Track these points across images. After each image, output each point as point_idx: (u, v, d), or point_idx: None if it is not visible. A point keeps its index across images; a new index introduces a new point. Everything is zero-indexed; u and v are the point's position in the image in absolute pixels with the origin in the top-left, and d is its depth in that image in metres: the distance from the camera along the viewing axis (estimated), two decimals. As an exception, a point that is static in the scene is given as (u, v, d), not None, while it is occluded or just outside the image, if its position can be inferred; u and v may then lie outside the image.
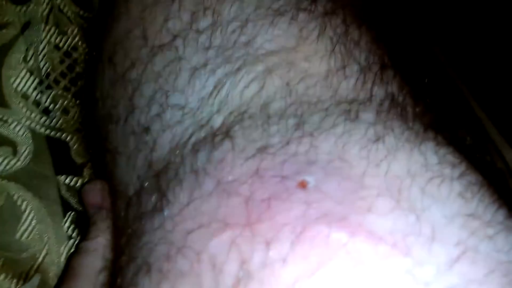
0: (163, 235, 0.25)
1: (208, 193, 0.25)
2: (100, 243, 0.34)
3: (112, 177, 0.33)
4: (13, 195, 0.40)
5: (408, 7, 0.40)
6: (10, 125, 0.42)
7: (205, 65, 0.30)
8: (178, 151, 0.28)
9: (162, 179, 0.28)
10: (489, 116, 0.35)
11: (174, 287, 0.23)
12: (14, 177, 0.40)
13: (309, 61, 0.29)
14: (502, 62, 0.36)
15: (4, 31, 0.44)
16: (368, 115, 0.27)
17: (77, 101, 0.44)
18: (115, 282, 0.28)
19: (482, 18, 0.38)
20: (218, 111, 0.28)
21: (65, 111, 0.44)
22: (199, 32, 0.30)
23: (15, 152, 0.41)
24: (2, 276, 0.38)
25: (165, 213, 0.26)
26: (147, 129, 0.30)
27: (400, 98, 0.29)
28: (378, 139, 0.25)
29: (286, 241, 0.22)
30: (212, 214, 0.24)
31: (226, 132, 0.27)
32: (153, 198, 0.28)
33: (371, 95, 0.29)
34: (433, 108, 0.31)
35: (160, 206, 0.26)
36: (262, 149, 0.25)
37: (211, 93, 0.29)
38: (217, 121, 0.28)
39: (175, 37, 0.31)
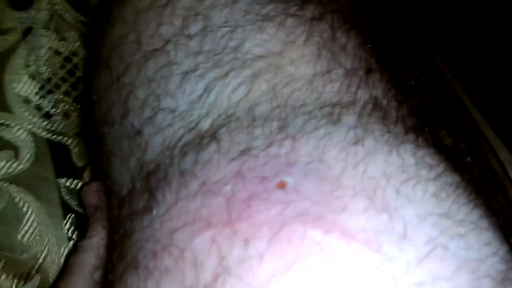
0: (151, 233, 0.26)
1: (193, 193, 0.26)
2: (96, 242, 0.35)
3: (108, 178, 0.34)
4: (15, 197, 0.41)
5: (399, 9, 0.40)
6: (12, 129, 0.42)
7: (195, 69, 0.30)
8: (168, 153, 0.29)
9: (152, 179, 0.29)
10: (485, 117, 0.35)
11: (159, 284, 0.24)
12: (16, 180, 0.41)
13: (296, 65, 0.30)
14: (499, 62, 0.37)
15: (6, 37, 0.45)
16: (349, 118, 0.28)
17: (78, 105, 0.45)
18: (107, 278, 0.29)
19: (476, 17, 0.38)
20: (207, 114, 0.29)
21: (66, 115, 0.45)
22: (190, 37, 0.31)
23: (17, 156, 0.42)
24: (3, 276, 0.38)
25: (154, 213, 0.27)
26: (139, 132, 0.31)
27: (384, 102, 0.30)
28: (357, 141, 0.26)
29: (264, 238, 0.23)
30: (197, 213, 0.25)
31: (213, 135, 0.28)
32: (144, 198, 0.28)
33: (355, 99, 0.29)
34: (418, 110, 0.31)
35: (149, 206, 0.27)
36: (246, 151, 0.26)
37: (200, 97, 0.30)
38: (206, 123, 0.29)
39: (167, 42, 0.32)
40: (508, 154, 0.34)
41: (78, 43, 0.47)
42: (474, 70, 0.38)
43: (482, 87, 0.37)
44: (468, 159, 0.30)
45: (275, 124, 0.27)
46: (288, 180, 0.25)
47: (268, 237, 0.23)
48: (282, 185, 0.24)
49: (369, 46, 0.33)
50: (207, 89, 0.30)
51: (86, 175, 0.44)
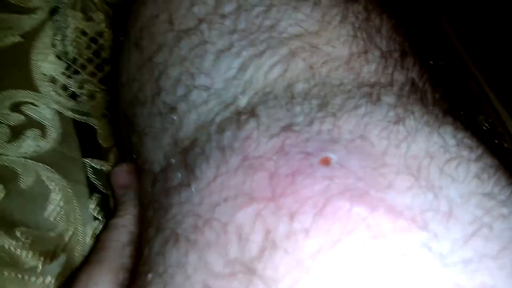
0: (190, 208, 0.26)
1: (234, 168, 0.26)
2: (128, 220, 0.35)
3: (139, 157, 0.34)
4: (41, 175, 0.41)
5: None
6: (38, 108, 0.42)
7: (230, 48, 0.30)
8: (204, 129, 0.29)
9: (189, 156, 0.29)
10: (505, 108, 0.35)
11: (202, 256, 0.24)
12: (42, 158, 0.41)
13: (332, 45, 0.30)
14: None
15: (32, 15, 0.45)
16: (389, 98, 0.28)
17: (103, 87, 0.45)
18: (142, 253, 0.29)
19: (502, 11, 0.38)
20: (243, 92, 0.29)
21: (91, 96, 0.45)
22: (224, 16, 0.31)
23: (43, 134, 0.42)
24: (30, 253, 0.39)
25: (192, 188, 0.27)
26: (173, 109, 0.31)
27: (420, 84, 0.30)
28: (398, 121, 0.26)
29: (309, 214, 0.23)
30: (238, 188, 0.25)
31: (251, 111, 0.28)
32: (180, 174, 0.28)
33: (392, 80, 0.29)
34: (452, 95, 0.31)
35: (187, 181, 0.27)
36: (287, 128, 0.26)
37: (236, 75, 0.30)
38: (242, 101, 0.29)
39: (200, 21, 0.32)
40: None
41: (104, 24, 0.47)
42: (497, 62, 0.37)
43: (504, 75, 0.37)
44: (506, 144, 0.30)
45: (314, 101, 0.27)
46: (332, 156, 0.25)
47: (313, 212, 0.23)
48: (326, 161, 0.24)
49: (401, 29, 0.33)
50: (242, 67, 0.30)
51: (112, 157, 0.44)
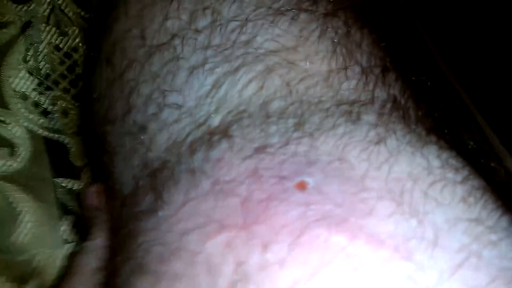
0: (158, 235, 0.25)
1: (204, 193, 0.24)
2: (98, 244, 0.33)
3: (109, 177, 0.33)
4: (9, 197, 0.39)
5: (409, 10, 0.39)
6: (8, 126, 0.41)
7: (203, 64, 0.29)
8: (174, 150, 0.28)
9: (158, 178, 0.27)
10: (490, 126, 0.34)
11: None
12: (11, 179, 0.40)
13: (310, 61, 0.29)
14: (505, 70, 0.36)
15: (4, 30, 0.44)
16: (369, 117, 0.26)
17: (77, 103, 0.44)
18: (111, 281, 0.28)
19: (484, 23, 0.38)
20: (216, 110, 0.28)
21: (64, 113, 0.43)
22: (197, 31, 0.30)
23: (12, 153, 0.40)
24: (3, 279, 0.37)
25: (160, 214, 0.25)
26: (143, 128, 0.30)
27: (402, 101, 0.29)
28: (379, 141, 0.25)
29: (284, 243, 0.22)
30: (208, 214, 0.24)
31: (224, 131, 0.27)
32: (148, 198, 0.27)
33: (373, 97, 0.28)
34: (436, 111, 0.30)
35: (155, 206, 0.26)
36: (261, 149, 0.25)
37: (209, 92, 0.28)
38: (215, 120, 0.28)
39: (173, 36, 0.31)
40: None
41: (78, 39, 0.46)
42: (480, 78, 0.37)
43: (489, 96, 0.36)
44: (492, 163, 0.29)
45: (291, 121, 0.26)
46: (309, 180, 0.23)
47: (288, 241, 0.21)
48: (302, 186, 0.23)
49: (383, 44, 0.32)
50: (216, 84, 0.29)
51: (84, 176, 0.42)
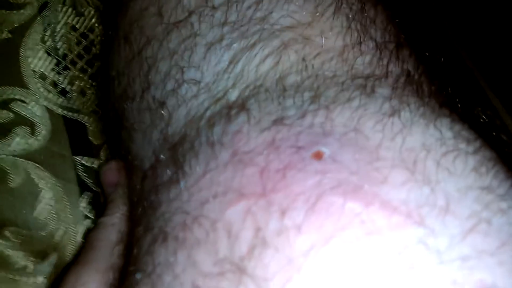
0: (179, 205, 0.25)
1: (223, 163, 0.25)
2: (117, 218, 0.34)
3: (129, 153, 0.34)
4: (31, 174, 0.40)
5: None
6: (28, 105, 0.42)
7: (220, 40, 0.30)
8: (193, 125, 0.28)
9: (178, 151, 0.28)
10: (501, 101, 0.34)
11: (190, 255, 0.23)
12: (32, 156, 0.41)
13: (325, 37, 0.29)
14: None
15: (22, 11, 0.44)
16: (384, 90, 0.27)
17: (94, 83, 0.45)
18: (131, 252, 0.28)
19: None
20: (234, 85, 0.28)
21: (82, 92, 0.44)
22: (214, 8, 0.30)
23: (33, 132, 0.41)
24: (21, 253, 0.38)
25: (181, 185, 0.26)
26: (162, 104, 0.30)
27: (416, 76, 0.29)
28: (393, 113, 0.25)
29: (301, 210, 0.22)
30: (228, 184, 0.24)
31: (241, 105, 0.27)
32: (169, 170, 0.28)
33: (387, 72, 0.28)
34: (448, 87, 0.30)
35: (176, 178, 0.27)
36: (278, 121, 0.25)
37: (226, 68, 0.29)
38: (233, 95, 0.28)
39: (190, 13, 0.31)
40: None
41: (94, 20, 0.47)
42: (493, 57, 0.37)
43: (499, 69, 0.36)
44: (504, 136, 0.29)
45: (306, 94, 0.26)
46: (324, 150, 0.24)
47: (305, 208, 0.22)
48: (318, 155, 0.24)
49: (396, 21, 0.32)
50: (233, 60, 0.29)
51: (103, 154, 0.43)
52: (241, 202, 0.23)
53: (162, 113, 0.30)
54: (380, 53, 0.29)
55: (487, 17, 0.37)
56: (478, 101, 0.33)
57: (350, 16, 0.30)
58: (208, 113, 0.28)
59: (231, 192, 0.24)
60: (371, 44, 0.29)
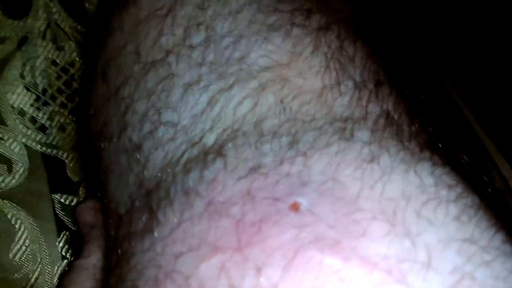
0: (152, 257, 0.25)
1: (198, 214, 0.24)
2: (91, 262, 0.33)
3: (105, 195, 0.33)
4: (7, 213, 0.39)
5: (402, 20, 0.39)
6: (5, 142, 0.41)
7: (198, 81, 0.29)
8: (169, 170, 0.28)
9: (153, 198, 0.27)
10: (487, 133, 0.34)
11: None
12: (8, 195, 0.40)
13: (303, 77, 0.29)
14: (501, 78, 0.36)
15: (0, 46, 0.44)
16: (363, 134, 0.26)
17: (74, 118, 0.44)
18: None
19: (478, 30, 0.38)
20: (211, 128, 0.28)
21: (61, 128, 0.43)
22: (192, 48, 0.30)
23: (10, 170, 0.40)
24: (-5, 296, 0.37)
25: (155, 235, 0.25)
26: (139, 147, 0.29)
27: (396, 116, 0.29)
28: (372, 159, 0.25)
29: (277, 266, 0.21)
30: (202, 236, 0.23)
31: (218, 150, 0.26)
32: (144, 217, 0.27)
33: (366, 113, 0.28)
34: (430, 125, 0.30)
35: (150, 227, 0.26)
36: (255, 169, 0.25)
37: (204, 110, 0.28)
38: (210, 138, 0.27)
39: (168, 53, 0.30)
40: (509, 169, 0.32)
41: (75, 54, 0.46)
42: (475, 85, 0.37)
43: (485, 103, 0.36)
44: (485, 178, 0.29)
45: (284, 139, 0.26)
46: (302, 201, 0.23)
47: (282, 264, 0.21)
48: (295, 207, 0.23)
49: (376, 57, 0.32)
50: (211, 102, 0.28)
51: (82, 191, 0.42)
52: (216, 256, 0.22)
53: (138, 157, 0.29)
54: (359, 93, 0.29)
55: (472, 48, 0.37)
56: (460, 139, 0.32)
57: (329, 55, 0.30)
58: (185, 157, 0.27)
59: (206, 245, 0.23)
60: (350, 84, 0.29)
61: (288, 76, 0.29)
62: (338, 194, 0.23)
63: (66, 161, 0.43)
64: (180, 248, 0.24)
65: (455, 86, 0.37)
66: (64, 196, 0.41)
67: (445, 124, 0.33)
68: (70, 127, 0.44)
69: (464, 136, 0.34)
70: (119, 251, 0.28)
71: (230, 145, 0.27)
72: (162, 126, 0.29)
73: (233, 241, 0.23)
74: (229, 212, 0.23)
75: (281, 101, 0.28)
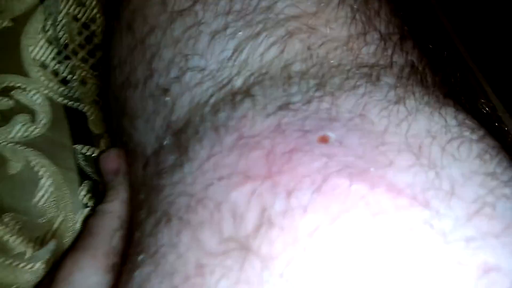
0: (183, 188, 0.26)
1: (228, 147, 0.25)
2: (117, 206, 0.34)
3: (130, 140, 0.34)
4: (31, 161, 0.40)
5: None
6: (28, 93, 0.42)
7: (225, 29, 0.30)
8: (197, 111, 0.28)
9: (182, 137, 0.28)
10: (498, 97, 0.35)
11: (195, 235, 0.23)
12: (32, 143, 0.40)
13: (330, 27, 0.29)
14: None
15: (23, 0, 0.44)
16: (389, 79, 0.27)
17: (95, 73, 0.45)
18: (132, 236, 0.28)
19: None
20: (238, 73, 0.28)
21: (82, 82, 0.44)
22: None
23: (33, 120, 0.41)
24: (19, 239, 0.38)
25: (185, 169, 0.26)
26: (166, 91, 0.30)
27: (420, 67, 0.29)
28: (398, 100, 0.26)
29: (307, 191, 0.22)
30: (233, 167, 0.24)
31: (246, 92, 0.27)
32: (172, 155, 0.28)
33: (392, 62, 0.29)
34: (452, 78, 0.31)
35: (180, 162, 0.27)
36: (284, 106, 0.26)
37: (231, 56, 0.29)
38: (238, 82, 0.28)
39: (194, 2, 0.31)
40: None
41: (96, 10, 0.46)
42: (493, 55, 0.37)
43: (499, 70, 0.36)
44: (506, 127, 0.29)
45: (312, 81, 0.27)
46: (331, 134, 0.24)
47: (311, 189, 0.22)
48: (324, 139, 0.24)
49: (401, 13, 0.33)
50: (238, 49, 0.29)
51: (103, 143, 0.43)
52: (247, 184, 0.23)
53: (166, 100, 0.30)
54: (385, 44, 0.29)
55: (489, 16, 0.37)
56: (480, 94, 0.33)
57: (355, 7, 0.30)
58: (213, 100, 0.28)
59: (236, 174, 0.24)
60: (376, 35, 0.30)
61: (315, 25, 0.29)
62: (366, 129, 0.24)
63: (88, 114, 0.43)
64: (210, 178, 0.25)
65: (469, 51, 0.37)
66: (86, 147, 0.42)
67: (466, 78, 0.34)
68: (91, 82, 0.44)
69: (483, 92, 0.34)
70: (147, 188, 0.29)
71: (257, 87, 0.27)
72: (189, 71, 0.30)
73: (264, 169, 0.23)
74: (259, 144, 0.24)
75: (308, 48, 0.28)
